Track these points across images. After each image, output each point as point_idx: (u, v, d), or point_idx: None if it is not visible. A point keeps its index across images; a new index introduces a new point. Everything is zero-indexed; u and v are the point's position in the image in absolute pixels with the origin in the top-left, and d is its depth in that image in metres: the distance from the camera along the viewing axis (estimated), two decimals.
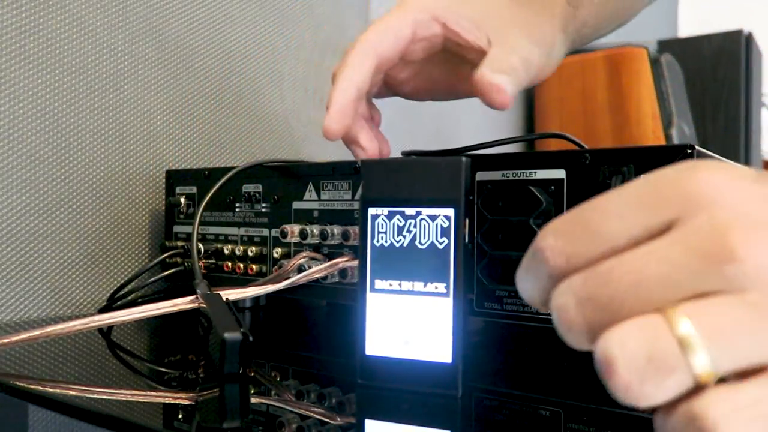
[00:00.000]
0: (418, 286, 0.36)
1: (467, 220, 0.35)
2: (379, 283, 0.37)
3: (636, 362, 0.20)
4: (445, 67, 0.50)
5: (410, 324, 0.36)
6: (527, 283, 0.25)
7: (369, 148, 0.47)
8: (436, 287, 0.35)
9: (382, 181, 0.37)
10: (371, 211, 0.37)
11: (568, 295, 0.23)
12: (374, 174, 0.37)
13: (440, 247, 0.35)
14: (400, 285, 0.36)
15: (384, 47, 0.45)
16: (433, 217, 0.36)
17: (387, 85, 0.50)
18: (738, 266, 0.20)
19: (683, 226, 0.22)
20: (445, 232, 0.35)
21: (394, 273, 0.36)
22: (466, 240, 0.35)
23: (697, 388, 0.20)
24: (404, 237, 0.36)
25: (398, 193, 0.36)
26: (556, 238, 0.23)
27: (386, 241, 0.37)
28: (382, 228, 0.37)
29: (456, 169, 0.35)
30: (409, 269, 0.36)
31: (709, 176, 0.22)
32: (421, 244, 0.36)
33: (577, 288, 0.22)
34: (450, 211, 0.35)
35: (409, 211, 0.36)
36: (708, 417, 0.20)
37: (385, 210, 0.37)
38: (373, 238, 0.37)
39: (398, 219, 0.36)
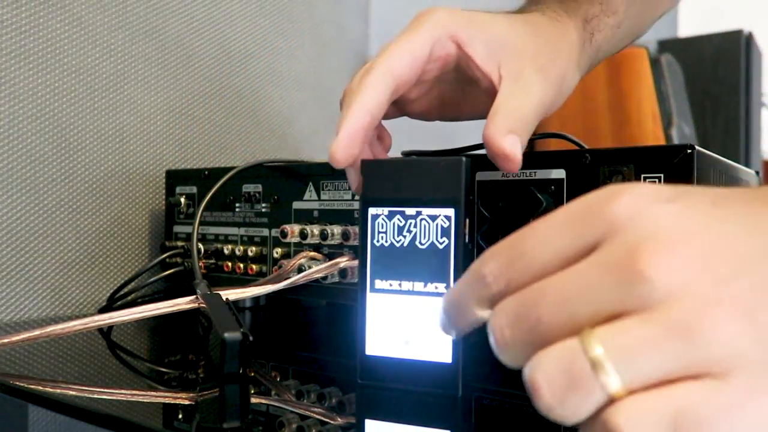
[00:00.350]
0: (419, 286, 0.36)
1: (467, 220, 0.35)
2: (379, 283, 0.37)
3: (555, 385, 0.22)
4: (455, 86, 0.48)
5: (410, 324, 0.36)
6: (468, 300, 0.27)
7: None
8: (436, 287, 0.35)
9: (383, 181, 0.37)
10: (371, 211, 0.37)
11: (502, 316, 0.24)
12: (374, 174, 0.37)
13: (440, 247, 0.35)
14: (400, 285, 0.36)
15: (402, 70, 0.42)
16: (433, 217, 0.36)
17: (395, 104, 0.48)
18: (646, 285, 0.22)
19: (603, 247, 0.23)
20: (445, 232, 0.35)
21: (394, 273, 0.36)
22: (467, 240, 0.35)
23: (611, 401, 0.22)
24: (404, 237, 0.36)
25: (398, 193, 0.36)
26: (497, 263, 0.25)
27: (386, 241, 0.37)
28: (382, 228, 0.37)
29: (456, 169, 0.35)
30: (410, 269, 0.36)
31: (628, 198, 0.24)
32: (422, 244, 0.36)
33: (509, 309, 0.24)
34: (450, 211, 0.35)
35: (410, 211, 0.36)
36: (618, 423, 0.21)
37: (386, 210, 0.37)
38: (373, 238, 0.37)
39: (398, 219, 0.36)
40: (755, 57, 1.88)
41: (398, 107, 0.49)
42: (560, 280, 0.24)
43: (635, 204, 0.24)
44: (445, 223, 0.35)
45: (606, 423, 0.22)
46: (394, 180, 0.37)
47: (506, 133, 0.39)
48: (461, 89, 0.48)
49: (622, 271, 0.22)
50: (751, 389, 0.21)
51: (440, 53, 0.44)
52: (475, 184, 0.44)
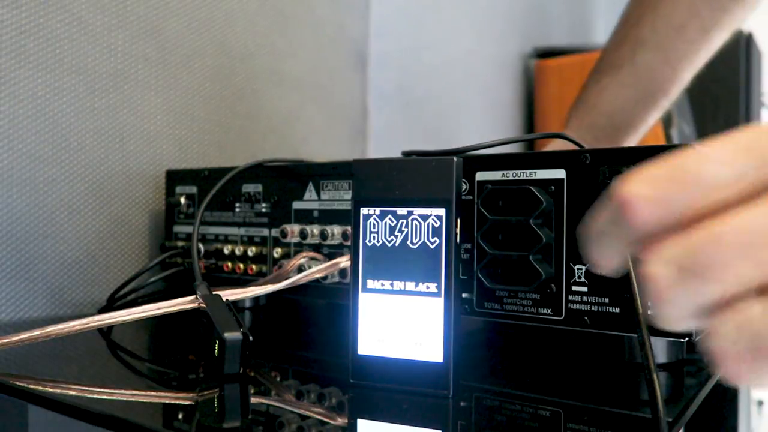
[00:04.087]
0: (410, 285, 0.36)
1: (458, 220, 0.35)
2: (371, 283, 0.37)
3: (745, 361, 0.18)
4: None
5: (402, 324, 0.36)
6: (603, 248, 0.21)
7: None
8: (427, 287, 0.35)
9: (374, 181, 0.37)
10: (363, 210, 0.37)
11: (669, 265, 0.19)
12: (366, 174, 0.37)
13: (432, 247, 0.35)
14: (391, 285, 0.36)
15: None
16: (424, 217, 0.35)
17: None
18: None
19: None
20: (436, 231, 0.35)
21: (386, 273, 0.36)
22: (458, 240, 0.35)
23: None
24: (396, 237, 0.36)
25: (390, 193, 0.36)
26: (647, 186, 0.19)
27: (378, 241, 0.37)
28: (374, 228, 0.37)
29: (447, 169, 0.35)
30: (401, 269, 0.36)
31: None
32: (413, 244, 0.36)
33: (679, 255, 0.19)
34: (441, 211, 0.35)
35: (401, 210, 0.36)
36: None
37: (377, 210, 0.37)
38: (365, 237, 0.37)
39: (390, 219, 0.36)
40: (755, 57, 1.88)
41: None
42: (749, 219, 0.18)
43: None
44: (436, 222, 0.35)
45: None
46: (385, 180, 0.36)
47: None
48: None
49: None
50: None
51: None
52: (475, 184, 0.44)
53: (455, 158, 0.35)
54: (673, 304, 0.19)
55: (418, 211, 0.36)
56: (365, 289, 0.37)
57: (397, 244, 0.36)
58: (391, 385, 0.36)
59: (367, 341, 0.37)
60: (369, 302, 0.37)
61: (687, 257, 0.19)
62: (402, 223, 0.36)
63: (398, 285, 0.36)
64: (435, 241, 0.35)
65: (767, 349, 0.18)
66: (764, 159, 0.19)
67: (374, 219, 0.37)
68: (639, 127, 0.78)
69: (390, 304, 0.36)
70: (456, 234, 0.35)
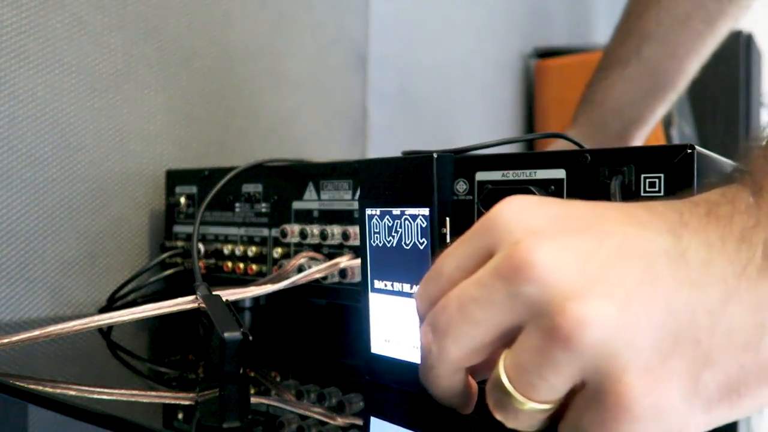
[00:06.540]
0: (407, 287, 0.35)
1: (447, 219, 0.35)
2: (378, 283, 0.37)
3: (496, 410, 0.25)
4: None
5: (404, 325, 0.36)
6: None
7: None
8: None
9: (373, 181, 0.37)
10: (368, 211, 0.37)
11: (425, 326, 0.27)
12: (367, 174, 0.37)
13: (421, 247, 0.35)
14: (393, 286, 0.36)
15: None
16: (414, 217, 0.35)
17: None
18: (530, 285, 0.23)
19: (496, 251, 0.25)
20: (423, 232, 0.35)
21: (389, 274, 0.36)
22: (448, 240, 0.34)
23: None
24: (393, 237, 0.36)
25: (386, 193, 0.36)
26: (420, 290, 0.28)
27: (380, 242, 0.36)
28: (376, 228, 0.37)
29: (424, 168, 0.35)
30: (399, 270, 0.36)
31: (510, 205, 0.26)
32: (406, 245, 0.35)
33: (429, 319, 0.27)
34: (425, 211, 0.35)
35: (395, 210, 0.36)
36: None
37: (378, 210, 0.36)
38: (370, 238, 0.37)
39: (388, 219, 0.36)
40: (755, 57, 1.88)
41: None
42: (461, 286, 0.25)
43: (516, 209, 0.26)
44: (423, 222, 0.35)
45: None
46: (382, 180, 0.36)
47: None
48: None
49: (507, 268, 0.24)
50: (650, 381, 0.22)
51: None
52: (475, 185, 0.44)
53: (434, 155, 0.35)
54: (437, 359, 0.26)
55: (409, 211, 0.35)
56: (374, 289, 0.37)
57: (394, 245, 0.36)
58: (403, 387, 0.36)
59: (378, 341, 0.37)
60: (377, 302, 0.37)
61: (431, 318, 0.26)
62: (397, 223, 0.36)
63: (398, 286, 0.36)
64: (423, 241, 0.35)
65: (507, 402, 0.24)
66: (473, 241, 0.26)
67: (376, 219, 0.36)
68: (649, 121, 0.77)
69: (394, 305, 0.36)
70: (446, 234, 0.34)
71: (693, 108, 1.65)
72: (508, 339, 0.25)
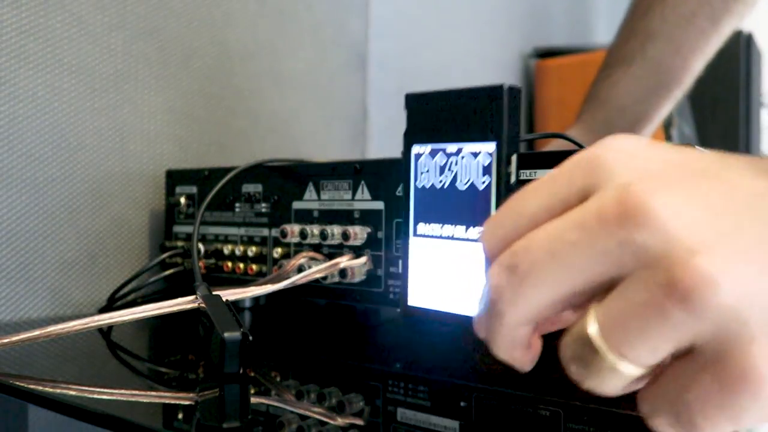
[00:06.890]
0: (460, 231, 0.32)
1: (514, 157, 0.32)
2: (423, 227, 0.33)
3: (574, 370, 0.23)
4: None
5: (451, 272, 0.33)
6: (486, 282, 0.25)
7: None
8: (478, 232, 0.32)
9: (424, 116, 0.34)
10: (414, 149, 0.34)
11: (500, 265, 0.23)
12: (417, 108, 0.34)
13: (481, 187, 0.32)
14: (442, 230, 0.33)
15: None
16: (474, 154, 0.32)
17: None
18: (646, 232, 0.20)
19: (595, 193, 0.22)
20: (486, 170, 0.31)
21: (437, 216, 0.33)
22: (513, 179, 0.32)
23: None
24: (446, 177, 0.33)
25: (440, 128, 0.33)
26: (489, 228, 0.25)
27: (427, 182, 0.33)
28: (424, 168, 0.33)
29: (497, 97, 0.31)
30: (451, 212, 0.32)
31: (619, 143, 0.23)
32: (463, 184, 0.32)
33: (503, 259, 0.23)
34: (491, 146, 0.31)
35: (451, 147, 0.32)
36: (642, 410, 0.22)
37: (428, 147, 0.33)
38: (416, 179, 0.34)
39: (440, 157, 0.33)
40: (755, 57, 1.88)
41: None
42: (551, 226, 0.22)
43: (626, 148, 0.23)
44: (486, 160, 0.32)
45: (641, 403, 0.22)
46: (435, 114, 0.33)
47: None
48: None
49: (615, 211, 0.20)
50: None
51: None
52: None
53: (506, 85, 0.32)
54: (510, 304, 0.23)
55: (468, 147, 0.32)
56: (416, 234, 0.34)
57: (446, 186, 0.33)
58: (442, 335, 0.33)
59: (417, 292, 0.34)
60: (419, 248, 0.34)
61: (507, 259, 0.23)
62: (452, 161, 0.33)
63: (448, 230, 0.33)
64: (485, 180, 0.31)
65: (592, 360, 0.21)
66: (565, 181, 0.24)
67: (426, 158, 0.34)
68: (654, 120, 0.77)
69: (440, 251, 0.33)
70: (511, 173, 0.32)
71: (693, 108, 1.65)
72: (598, 293, 0.22)
